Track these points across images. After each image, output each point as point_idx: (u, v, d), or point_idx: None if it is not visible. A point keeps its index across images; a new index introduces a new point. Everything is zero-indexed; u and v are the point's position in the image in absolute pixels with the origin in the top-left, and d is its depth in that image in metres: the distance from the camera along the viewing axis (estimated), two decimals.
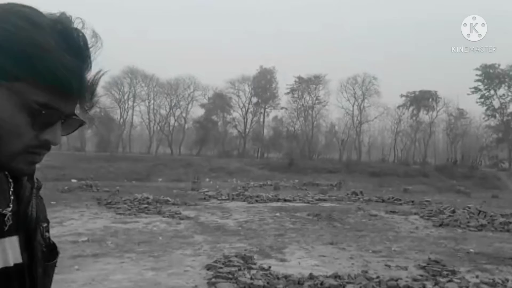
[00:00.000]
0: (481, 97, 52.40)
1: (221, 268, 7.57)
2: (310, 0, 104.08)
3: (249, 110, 61.04)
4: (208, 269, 7.60)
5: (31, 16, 0.79)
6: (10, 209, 0.89)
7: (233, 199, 20.15)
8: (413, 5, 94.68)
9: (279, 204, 19.23)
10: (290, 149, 53.31)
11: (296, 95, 59.52)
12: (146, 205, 15.89)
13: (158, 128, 61.20)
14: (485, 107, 52.79)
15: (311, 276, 7.28)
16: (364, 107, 56.79)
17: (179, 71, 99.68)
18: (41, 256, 0.95)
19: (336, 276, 7.36)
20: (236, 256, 8.47)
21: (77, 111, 0.87)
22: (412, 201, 21.41)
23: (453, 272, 8.00)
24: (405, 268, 8.31)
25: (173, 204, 17.16)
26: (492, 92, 51.67)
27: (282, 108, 61.20)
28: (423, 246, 10.57)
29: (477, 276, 7.85)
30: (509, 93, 50.82)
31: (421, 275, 7.77)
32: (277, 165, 42.25)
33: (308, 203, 20.02)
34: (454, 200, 22.40)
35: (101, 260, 8.17)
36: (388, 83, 75.28)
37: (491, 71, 50.57)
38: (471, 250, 10.14)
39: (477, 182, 35.42)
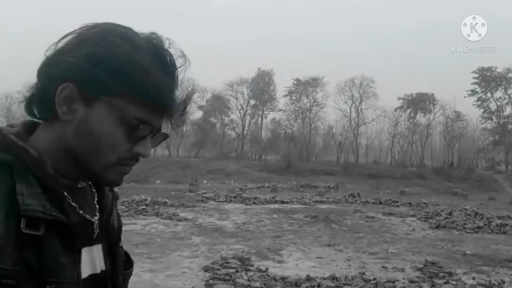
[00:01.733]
0: (478, 100, 52.59)
1: (218, 269, 7.59)
2: (309, 6, 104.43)
3: (247, 112, 61.07)
4: (205, 271, 7.62)
5: (129, 35, 0.84)
6: (97, 217, 0.93)
7: (230, 201, 20.17)
8: (411, 8, 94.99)
9: (276, 206, 19.26)
10: (288, 151, 53.35)
11: (294, 98, 59.57)
12: (144, 207, 15.88)
13: None
14: (482, 110, 52.98)
15: (308, 278, 7.31)
16: (361, 110, 56.89)
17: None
18: (122, 264, 1.00)
19: (333, 278, 7.39)
20: (233, 257, 8.49)
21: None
22: (409, 203, 21.48)
23: (450, 274, 8.03)
24: (402, 270, 8.34)
25: (171, 205, 17.17)
26: (489, 94, 51.85)
27: (280, 110, 61.27)
28: (420, 248, 10.60)
29: (473, 278, 7.89)
30: (506, 96, 51.04)
31: (418, 277, 7.80)
32: (275, 167, 42.29)
33: (306, 205, 20.05)
34: (451, 202, 22.45)
35: None
36: (385, 85, 75.52)
37: (488, 74, 50.75)
38: (468, 252, 10.18)
39: (474, 184, 35.52)
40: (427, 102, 55.22)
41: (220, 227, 12.67)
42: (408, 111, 56.43)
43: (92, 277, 0.89)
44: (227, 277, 7.12)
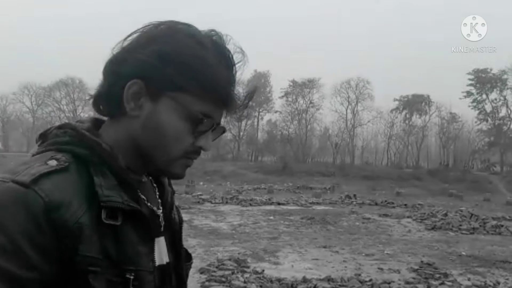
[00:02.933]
0: (473, 101, 52.74)
1: (214, 271, 7.59)
2: (306, 5, 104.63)
3: (243, 114, 61.02)
4: (201, 273, 7.62)
5: (194, 33, 0.87)
6: (161, 211, 0.97)
7: (227, 202, 20.16)
8: (406, 9, 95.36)
9: (272, 207, 19.26)
10: (284, 153, 53.35)
11: (290, 99, 59.56)
12: None
13: None
14: (477, 111, 53.14)
15: (304, 280, 7.32)
16: (357, 111, 56.97)
17: None
18: (184, 256, 1.04)
19: (329, 279, 7.40)
20: (229, 259, 8.49)
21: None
22: (405, 204, 21.54)
23: (445, 275, 8.07)
24: (398, 271, 8.37)
25: None
26: (484, 96, 52.02)
27: (276, 111, 61.22)
28: (416, 249, 10.64)
29: (469, 279, 7.93)
30: (501, 98, 51.20)
31: (414, 278, 7.83)
32: (271, 169, 42.29)
33: (302, 206, 20.06)
34: (447, 203, 22.53)
35: None
36: (381, 87, 75.75)
37: (483, 75, 50.92)
38: (463, 253, 10.22)
39: (469, 185, 35.63)
40: (423, 103, 55.38)
41: (216, 229, 12.66)
42: (403, 112, 56.56)
43: (160, 267, 0.91)
44: (223, 279, 7.13)
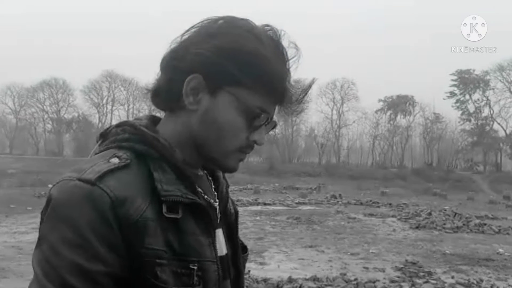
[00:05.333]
0: (456, 102, 53.28)
1: None
2: (290, 5, 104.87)
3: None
4: None
5: (252, 28, 0.88)
6: (217, 203, 0.99)
7: None
8: (392, 10, 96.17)
9: (259, 207, 19.26)
10: (271, 153, 53.38)
11: None
12: None
13: None
14: (460, 112, 53.78)
15: (290, 280, 7.33)
16: (343, 112, 57.29)
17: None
18: (240, 248, 1.04)
19: (315, 279, 7.43)
20: None
21: None
22: (390, 204, 21.71)
23: (430, 273, 8.15)
24: (383, 270, 8.43)
25: None
26: (467, 96, 52.60)
27: None
28: (400, 248, 10.72)
29: (452, 277, 8.02)
30: (484, 98, 51.80)
31: (398, 277, 7.89)
32: (258, 169, 42.27)
33: (288, 206, 20.10)
34: (431, 203, 22.76)
35: None
36: (366, 88, 76.28)
37: (466, 76, 51.52)
38: (447, 252, 10.34)
39: (453, 184, 36.03)
40: (407, 104, 55.86)
41: None
42: (388, 113, 57.00)
43: (220, 258, 0.93)
44: None
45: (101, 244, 0.76)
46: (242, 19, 0.90)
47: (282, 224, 14.17)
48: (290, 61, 0.91)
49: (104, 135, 0.93)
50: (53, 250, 0.76)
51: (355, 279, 7.49)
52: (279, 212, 17.53)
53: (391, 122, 57.07)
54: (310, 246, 10.53)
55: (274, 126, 0.97)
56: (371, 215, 17.37)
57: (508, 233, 13.40)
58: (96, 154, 0.89)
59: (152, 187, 0.83)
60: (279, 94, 0.90)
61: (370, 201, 22.79)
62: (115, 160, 0.83)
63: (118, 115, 60.31)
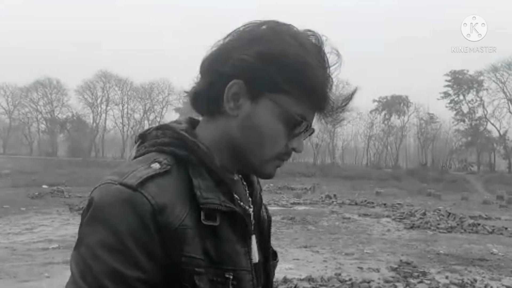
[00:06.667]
0: (450, 102, 53.60)
1: None
2: (280, 5, 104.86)
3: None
4: None
5: (296, 34, 0.86)
6: (251, 209, 0.98)
7: None
8: (386, 7, 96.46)
9: None
10: None
11: None
12: None
13: (132, 132, 60.46)
14: (454, 112, 54.06)
15: (285, 280, 7.33)
16: None
17: (153, 76, 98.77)
18: (272, 254, 1.03)
19: (309, 279, 7.43)
20: None
21: None
22: (384, 204, 21.76)
23: (424, 273, 8.17)
24: (377, 270, 8.44)
25: None
26: (461, 97, 52.89)
27: None
28: (395, 248, 10.75)
29: (446, 277, 8.04)
30: (477, 98, 52.11)
31: (393, 277, 7.90)
32: None
33: (283, 206, 20.11)
34: (425, 203, 22.84)
35: None
36: (360, 88, 76.14)
37: (460, 76, 51.81)
38: (441, 252, 10.37)
39: (447, 185, 36.18)
40: (401, 104, 56.08)
41: None
42: (383, 113, 57.19)
43: (254, 266, 0.92)
44: None
45: (140, 251, 0.76)
46: (285, 24, 0.88)
47: (276, 225, 14.16)
48: (331, 68, 0.89)
49: (143, 137, 0.93)
50: (92, 254, 0.75)
51: (350, 279, 7.50)
52: (273, 212, 17.51)
53: (386, 122, 57.27)
54: (305, 246, 10.54)
55: (311, 133, 0.96)
56: (365, 215, 17.40)
57: (501, 233, 13.45)
58: (135, 156, 0.89)
59: (191, 193, 0.82)
60: (321, 102, 0.89)
61: (365, 201, 22.83)
62: (156, 166, 0.82)
63: (113, 115, 60.25)
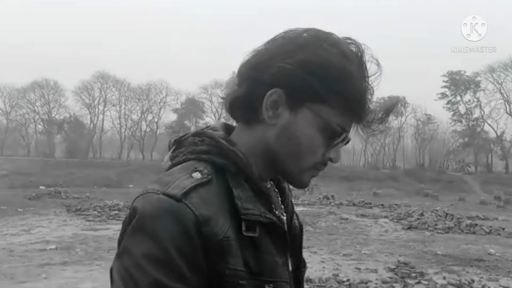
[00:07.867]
0: (447, 103, 53.66)
1: None
2: (278, 6, 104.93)
3: (222, 115, 60.90)
4: None
5: (338, 43, 0.84)
6: (284, 217, 0.97)
7: None
8: (384, 14, 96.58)
9: None
10: None
11: None
12: (116, 212, 15.64)
13: (130, 133, 60.41)
14: (451, 113, 54.15)
15: None
16: None
17: (150, 77, 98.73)
18: (303, 262, 1.02)
19: (307, 280, 7.41)
20: None
21: None
22: (382, 205, 21.80)
23: (422, 274, 8.18)
24: (375, 271, 8.45)
25: None
26: (458, 98, 52.96)
27: None
28: (393, 248, 10.76)
29: (444, 278, 8.05)
30: (475, 99, 52.21)
31: (391, 278, 7.91)
32: None
33: None
34: (423, 203, 22.87)
35: (69, 268, 8.00)
36: None
37: (457, 77, 51.91)
38: (439, 252, 10.38)
39: (445, 185, 36.26)
40: (399, 105, 56.12)
41: None
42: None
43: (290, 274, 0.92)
44: None
45: (183, 262, 0.75)
46: (326, 32, 0.86)
47: None
48: (371, 78, 0.87)
49: (178, 142, 0.91)
50: (135, 264, 0.75)
51: (348, 280, 7.50)
52: None
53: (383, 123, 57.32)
54: (303, 247, 10.53)
55: (348, 142, 0.93)
56: (363, 216, 17.42)
57: (499, 234, 13.48)
58: (172, 162, 0.88)
59: (231, 204, 0.81)
60: (360, 113, 0.87)
61: (363, 202, 22.87)
62: (197, 175, 0.81)
63: (110, 116, 60.14)
